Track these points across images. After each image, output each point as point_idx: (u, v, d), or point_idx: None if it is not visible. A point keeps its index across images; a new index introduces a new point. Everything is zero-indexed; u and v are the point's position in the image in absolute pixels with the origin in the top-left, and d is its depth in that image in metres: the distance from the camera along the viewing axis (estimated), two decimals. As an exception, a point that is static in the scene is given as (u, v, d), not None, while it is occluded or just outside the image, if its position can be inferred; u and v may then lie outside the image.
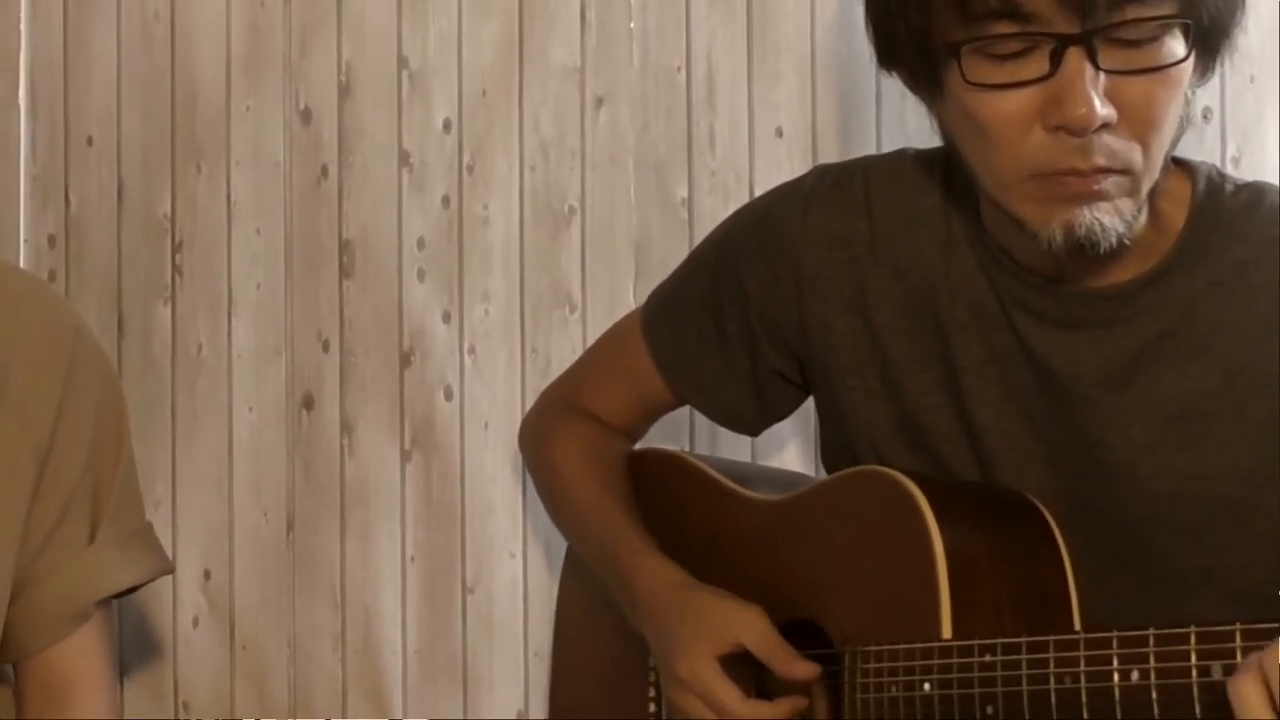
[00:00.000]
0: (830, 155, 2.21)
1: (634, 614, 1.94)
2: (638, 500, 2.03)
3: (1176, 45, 1.63)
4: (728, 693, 1.81)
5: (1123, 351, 1.77)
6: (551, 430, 2.13)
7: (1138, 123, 1.63)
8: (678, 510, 2.02)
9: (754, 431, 2.09)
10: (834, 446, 1.97)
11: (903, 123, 2.22)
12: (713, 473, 2.04)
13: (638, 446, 2.14)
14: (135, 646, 2.53)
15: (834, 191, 1.91)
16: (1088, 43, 1.60)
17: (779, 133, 2.31)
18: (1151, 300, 1.76)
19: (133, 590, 2.18)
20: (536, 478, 2.16)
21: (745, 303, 1.96)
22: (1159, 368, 1.76)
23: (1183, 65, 1.64)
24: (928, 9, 1.65)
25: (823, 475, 2.01)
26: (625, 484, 2.06)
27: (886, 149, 2.08)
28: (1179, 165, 1.77)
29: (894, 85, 2.15)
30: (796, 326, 1.93)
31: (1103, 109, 1.61)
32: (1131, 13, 1.60)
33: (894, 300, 1.87)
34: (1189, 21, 1.63)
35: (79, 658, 2.13)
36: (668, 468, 2.09)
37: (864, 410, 1.90)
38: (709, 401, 2.04)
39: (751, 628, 1.83)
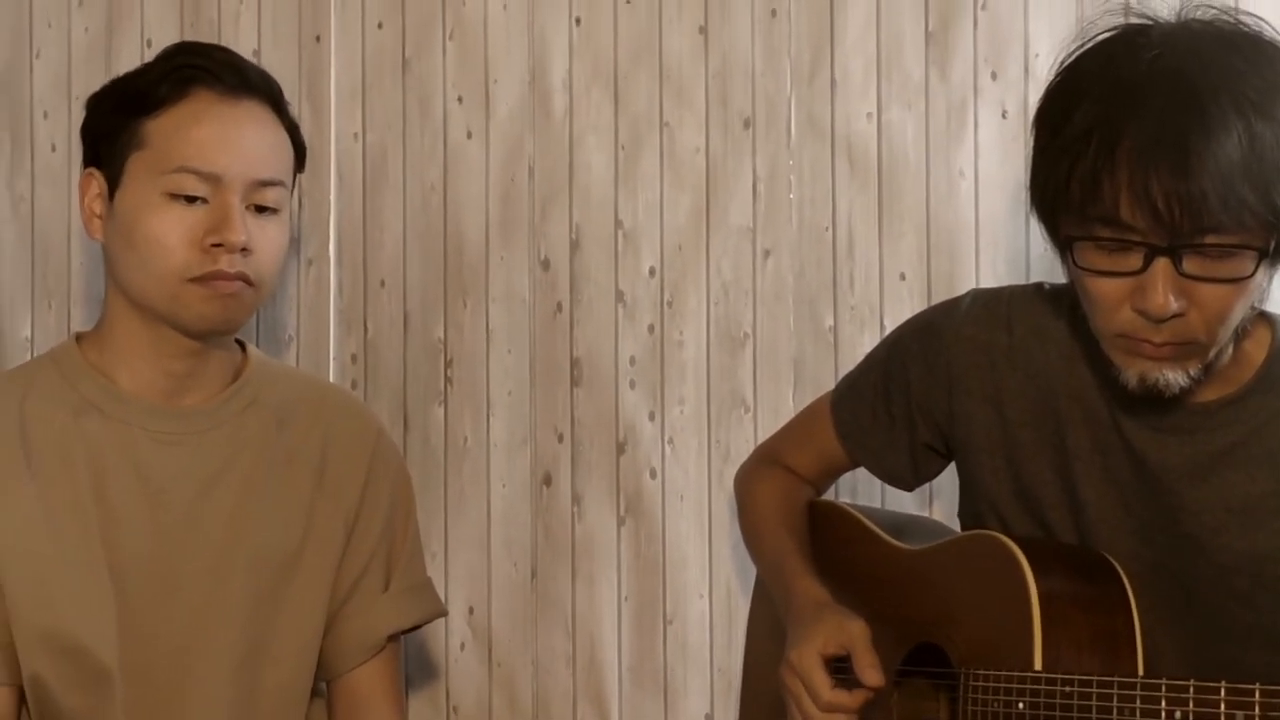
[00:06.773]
0: (941, 294, 2.26)
1: (785, 618, 1.99)
2: (812, 537, 2.07)
3: (1249, 262, 1.67)
4: (821, 681, 1.86)
5: (1203, 454, 1.81)
6: (756, 476, 2.18)
7: (1207, 315, 1.69)
8: (841, 548, 2.08)
9: (909, 488, 2.10)
10: (968, 506, 2.01)
11: (995, 269, 2.31)
12: (867, 521, 2.10)
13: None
14: (417, 665, 2.57)
15: (984, 311, 1.95)
16: (1173, 254, 1.64)
17: (902, 277, 2.34)
18: (1229, 417, 1.80)
19: (416, 628, 2.22)
20: (740, 509, 2.20)
21: (908, 392, 2.00)
22: (1230, 470, 1.81)
23: (1252, 277, 1.69)
24: (1058, 202, 1.71)
25: (955, 530, 2.05)
26: (803, 522, 2.10)
27: (984, 285, 2.18)
28: (1263, 316, 1.81)
29: (989, 242, 2.21)
30: (946, 413, 1.97)
31: (1175, 304, 1.66)
32: (1211, 239, 1.65)
33: (1023, 399, 1.91)
34: (1258, 250, 1.65)
35: (375, 678, 2.21)
36: (835, 516, 2.14)
37: (990, 481, 1.94)
38: (876, 465, 2.08)
39: (850, 633, 1.87)
